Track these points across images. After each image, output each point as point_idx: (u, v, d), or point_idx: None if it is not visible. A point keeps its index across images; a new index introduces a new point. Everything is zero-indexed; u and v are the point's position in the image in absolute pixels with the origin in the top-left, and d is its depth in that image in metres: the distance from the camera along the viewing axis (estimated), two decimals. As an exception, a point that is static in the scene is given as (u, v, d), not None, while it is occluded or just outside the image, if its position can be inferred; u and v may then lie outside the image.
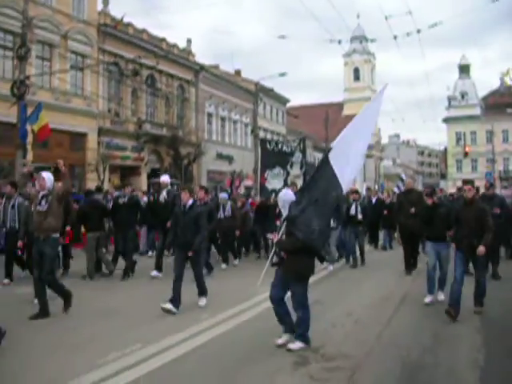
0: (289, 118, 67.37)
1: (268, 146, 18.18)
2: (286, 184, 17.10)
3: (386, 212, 19.66)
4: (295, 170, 17.97)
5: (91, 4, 33.76)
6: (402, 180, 25.42)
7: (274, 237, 7.47)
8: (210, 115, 48.05)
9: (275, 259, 7.32)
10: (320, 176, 7.42)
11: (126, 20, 35.03)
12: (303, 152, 17.84)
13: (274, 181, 18.06)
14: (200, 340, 7.46)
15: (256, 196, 23.08)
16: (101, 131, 34.03)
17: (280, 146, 17.99)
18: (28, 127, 22.56)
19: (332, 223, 14.42)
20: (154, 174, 37.12)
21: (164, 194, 14.29)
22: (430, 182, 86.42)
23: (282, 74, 43.65)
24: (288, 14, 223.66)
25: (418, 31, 24.75)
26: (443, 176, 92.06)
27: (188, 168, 40.72)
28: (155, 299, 9.50)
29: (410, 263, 13.83)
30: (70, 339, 7.53)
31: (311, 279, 12.59)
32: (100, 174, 31.58)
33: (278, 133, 61.50)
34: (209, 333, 7.84)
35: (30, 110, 22.71)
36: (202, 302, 9.73)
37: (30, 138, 23.41)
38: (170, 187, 14.67)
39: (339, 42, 28.98)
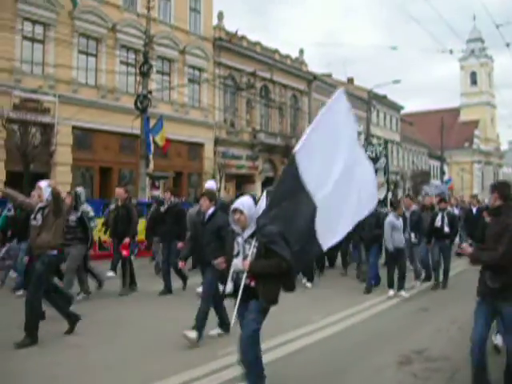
0: (403, 125, 66.54)
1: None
2: None
3: None
4: (379, 177, 16.43)
5: (207, 19, 35.16)
6: None
7: (224, 262, 5.89)
8: (322, 124, 48.23)
9: (230, 288, 5.70)
10: (285, 180, 6.21)
11: (240, 33, 36.18)
12: (387, 157, 16.56)
13: None
14: (311, 339, 7.94)
15: None
16: (217, 141, 35.27)
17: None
18: (151, 138, 23.98)
19: (413, 238, 13.35)
20: (268, 182, 37.98)
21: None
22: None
23: (396, 82, 43.55)
24: (399, 21, 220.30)
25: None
26: None
27: (301, 176, 41.14)
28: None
29: None
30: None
31: (416, 290, 12.70)
32: (216, 183, 32.68)
33: (392, 140, 60.95)
34: (319, 333, 8.32)
35: (151, 122, 24.17)
36: (214, 331, 8.17)
37: (151, 149, 24.79)
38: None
39: (450, 51, 28.93)
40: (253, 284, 5.58)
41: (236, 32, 33.19)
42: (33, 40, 25.30)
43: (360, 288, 12.38)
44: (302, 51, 46.10)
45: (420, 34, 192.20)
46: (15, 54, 24.27)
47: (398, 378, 6.27)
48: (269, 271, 5.52)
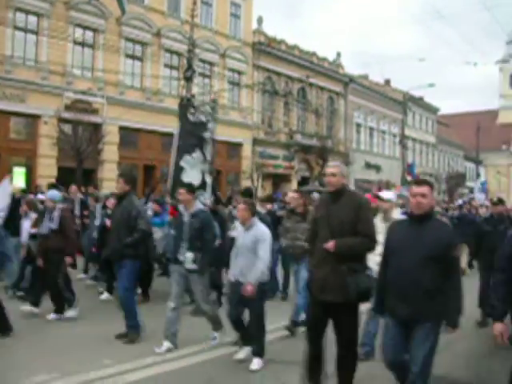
0: (439, 127, 66.76)
1: (190, 115, 11.53)
2: (203, 178, 11.29)
3: None
4: (207, 155, 11.62)
5: (246, 24, 36.49)
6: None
7: None
8: (358, 125, 49.21)
9: None
10: None
11: (278, 37, 37.38)
12: (215, 121, 12.17)
13: (192, 172, 11.27)
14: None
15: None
16: (255, 141, 36.48)
17: (199, 113, 11.78)
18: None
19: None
20: (304, 181, 39.05)
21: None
22: None
23: (431, 85, 44.26)
24: (432, 26, 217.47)
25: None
26: None
27: (336, 177, 41.90)
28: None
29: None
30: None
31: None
32: (254, 181, 33.75)
33: (428, 143, 61.39)
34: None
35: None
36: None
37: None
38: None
39: (474, 64, 30.28)
40: None
41: (275, 37, 34.40)
42: (83, 45, 26.91)
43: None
44: (339, 54, 47.00)
45: (452, 38, 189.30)
46: (67, 58, 25.90)
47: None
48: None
